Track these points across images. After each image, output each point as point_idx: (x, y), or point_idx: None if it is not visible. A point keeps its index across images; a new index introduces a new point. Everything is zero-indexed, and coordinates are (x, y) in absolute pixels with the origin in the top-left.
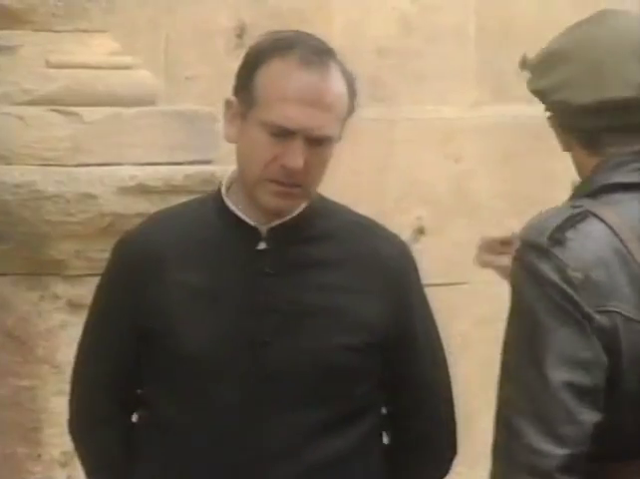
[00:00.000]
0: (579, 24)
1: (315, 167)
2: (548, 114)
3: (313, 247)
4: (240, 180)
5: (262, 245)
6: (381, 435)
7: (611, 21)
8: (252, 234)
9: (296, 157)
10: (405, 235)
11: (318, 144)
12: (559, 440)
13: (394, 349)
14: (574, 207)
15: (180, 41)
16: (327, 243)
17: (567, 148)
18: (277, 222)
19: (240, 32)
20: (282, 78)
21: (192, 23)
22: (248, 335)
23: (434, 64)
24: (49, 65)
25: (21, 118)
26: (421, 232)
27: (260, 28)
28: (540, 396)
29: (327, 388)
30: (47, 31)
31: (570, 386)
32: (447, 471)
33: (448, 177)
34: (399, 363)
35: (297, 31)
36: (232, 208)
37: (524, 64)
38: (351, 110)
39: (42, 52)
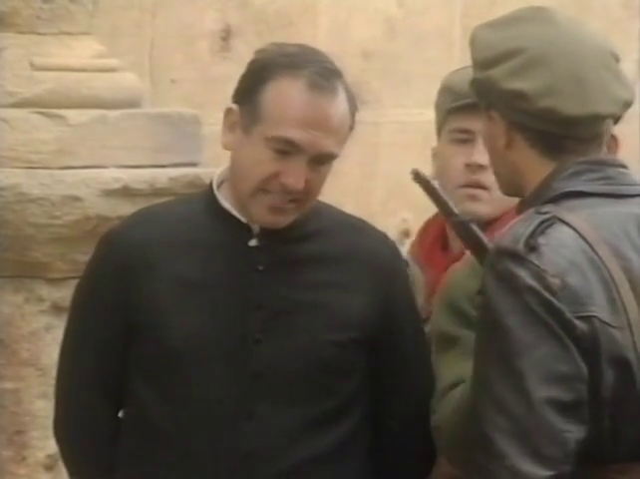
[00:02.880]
0: (522, 20)
1: (314, 185)
2: (494, 110)
3: (304, 245)
4: (233, 188)
5: (254, 242)
6: (365, 434)
7: (559, 20)
8: (244, 230)
9: (298, 176)
10: (390, 237)
11: (320, 163)
12: (544, 461)
13: (381, 348)
14: (541, 213)
15: (165, 44)
16: (318, 241)
17: (507, 145)
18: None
19: (225, 35)
20: (291, 99)
21: (177, 26)
22: (239, 331)
23: (419, 67)
24: (33, 67)
25: (5, 120)
26: (406, 234)
27: (246, 31)
28: (522, 415)
29: (316, 385)
30: (31, 33)
31: (553, 403)
32: (429, 471)
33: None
34: (385, 362)
35: (304, 46)
36: (225, 205)
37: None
38: (352, 127)
39: (26, 54)
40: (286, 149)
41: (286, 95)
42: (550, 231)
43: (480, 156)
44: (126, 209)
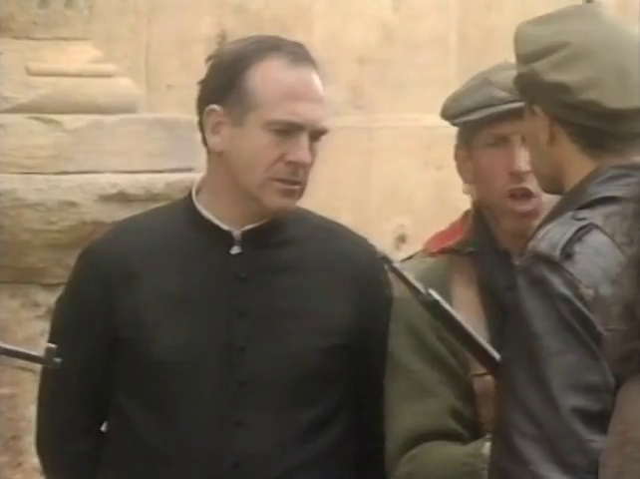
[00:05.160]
0: (567, 15)
1: (312, 162)
2: (537, 104)
3: (286, 251)
4: (231, 185)
5: (236, 250)
6: (351, 441)
7: (603, 16)
8: (225, 238)
9: (305, 151)
10: (386, 242)
11: (316, 138)
12: (568, 469)
13: (364, 353)
14: (577, 219)
15: (161, 49)
16: (299, 247)
17: (550, 140)
18: (250, 226)
19: (221, 40)
20: (282, 77)
21: (173, 31)
22: (223, 340)
23: (414, 72)
24: (30, 73)
25: (1, 126)
26: (402, 239)
27: (241, 36)
28: (548, 422)
29: (303, 391)
30: (28, 39)
31: (580, 412)
32: None
33: (429, 185)
34: (369, 367)
35: (259, 35)
36: (205, 212)
37: (519, 56)
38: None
39: (23, 60)
40: (290, 128)
41: (274, 75)
42: (587, 238)
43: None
44: (122, 214)
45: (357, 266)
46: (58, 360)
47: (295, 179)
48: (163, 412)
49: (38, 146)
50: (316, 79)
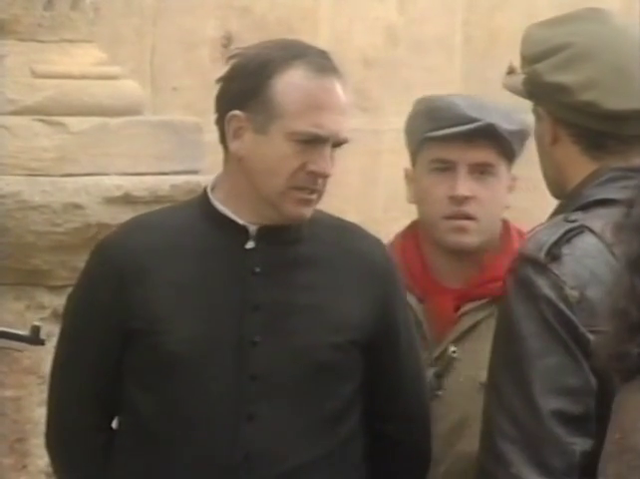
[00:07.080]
0: (575, 18)
1: (331, 171)
2: (541, 105)
3: (300, 247)
4: (250, 189)
5: (251, 245)
6: (362, 437)
7: (611, 19)
8: (241, 233)
9: (326, 162)
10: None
11: (337, 146)
12: (548, 471)
13: (378, 349)
14: (569, 221)
15: (166, 51)
16: (314, 244)
17: (553, 141)
18: (266, 222)
19: (227, 42)
20: (307, 86)
21: (178, 33)
22: (236, 334)
23: (420, 74)
24: (34, 75)
25: (6, 128)
26: None
27: (246, 38)
28: (529, 425)
29: (315, 387)
30: (32, 41)
31: (560, 415)
32: (423, 475)
33: None
34: (383, 364)
35: (282, 39)
36: (221, 208)
37: (524, 59)
38: None
39: (27, 62)
40: (313, 139)
41: (299, 85)
42: (576, 240)
43: (464, 187)
44: (127, 216)
45: (371, 264)
46: (43, 338)
47: (314, 187)
48: (174, 405)
49: (43, 148)
50: (340, 89)
